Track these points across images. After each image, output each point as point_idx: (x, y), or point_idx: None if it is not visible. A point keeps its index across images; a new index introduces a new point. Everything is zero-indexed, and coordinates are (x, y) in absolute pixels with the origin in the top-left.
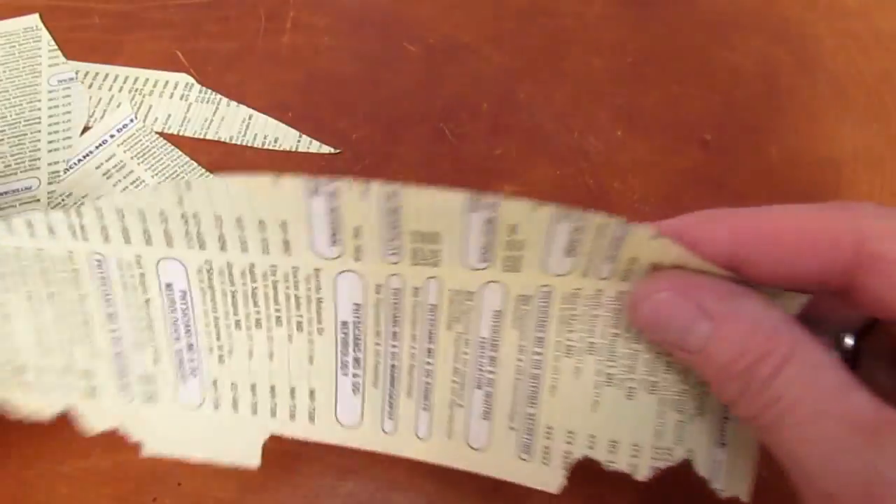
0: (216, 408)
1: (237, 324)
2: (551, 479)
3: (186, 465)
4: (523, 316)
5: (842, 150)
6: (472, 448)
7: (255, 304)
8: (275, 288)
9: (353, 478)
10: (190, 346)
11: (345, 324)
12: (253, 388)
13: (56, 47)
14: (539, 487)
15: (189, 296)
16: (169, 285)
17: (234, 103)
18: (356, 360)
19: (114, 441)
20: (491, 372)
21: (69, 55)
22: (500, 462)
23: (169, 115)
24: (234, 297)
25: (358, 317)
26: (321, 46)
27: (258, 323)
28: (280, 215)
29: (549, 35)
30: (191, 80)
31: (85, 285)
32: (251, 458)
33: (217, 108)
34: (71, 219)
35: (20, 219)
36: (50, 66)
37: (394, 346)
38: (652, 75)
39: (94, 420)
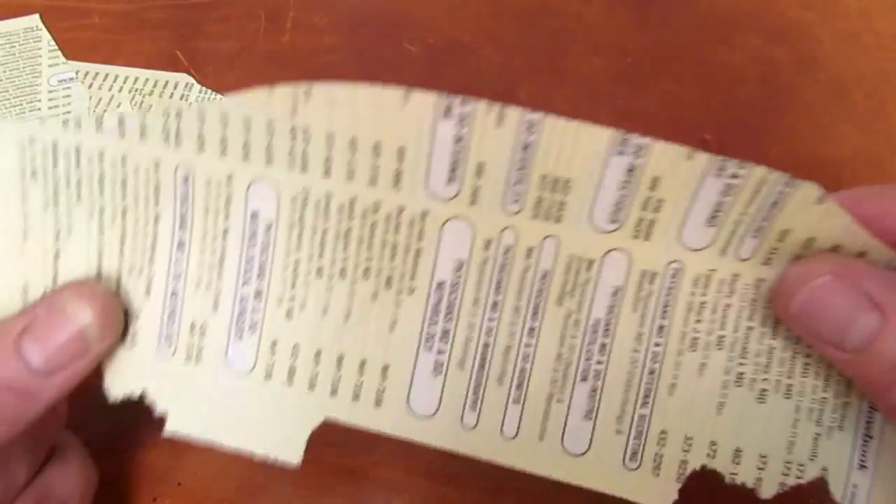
0: (267, 377)
1: (319, 271)
2: (661, 493)
3: (186, 464)
4: (646, 297)
5: (842, 150)
6: (567, 453)
7: (346, 248)
8: (372, 231)
9: (353, 478)
10: (258, 294)
11: (441, 285)
12: (317, 355)
13: (56, 47)
14: (645, 502)
15: (274, 229)
16: (255, 214)
17: None
18: (445, 332)
19: (114, 441)
20: (600, 362)
21: (69, 55)
22: (600, 471)
23: None
24: (324, 236)
25: (458, 277)
26: (321, 46)
27: (343, 273)
28: (400, 139)
29: (549, 35)
30: (191, 80)
31: (164, 203)
32: (293, 452)
33: None
34: (168, 121)
35: (112, 115)
36: (50, 66)
37: (491, 320)
38: (652, 75)
39: (123, 379)
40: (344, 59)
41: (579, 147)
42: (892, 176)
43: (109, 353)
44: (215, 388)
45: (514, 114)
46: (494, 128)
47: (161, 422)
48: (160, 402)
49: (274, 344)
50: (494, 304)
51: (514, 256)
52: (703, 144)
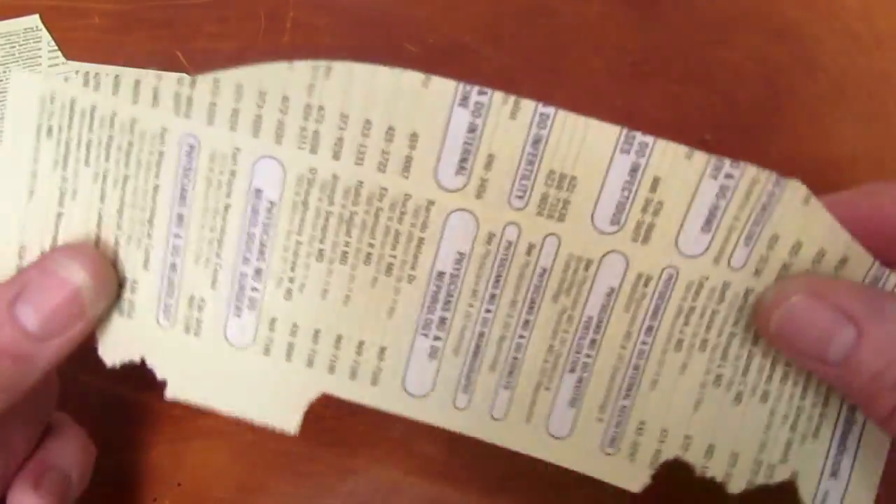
0: (266, 353)
1: (320, 254)
2: (635, 477)
3: (186, 464)
4: (639, 299)
5: (842, 150)
6: (550, 435)
7: (349, 233)
8: (376, 217)
9: (353, 478)
10: (257, 273)
11: (441, 275)
12: (316, 334)
13: (56, 47)
14: (619, 484)
15: (277, 209)
16: (258, 192)
17: None
18: (442, 320)
19: (114, 441)
20: (588, 356)
21: (69, 55)
22: (580, 453)
23: None
24: (327, 219)
25: (458, 269)
26: (321, 46)
27: (344, 257)
28: (414, 124)
29: (549, 35)
30: None
31: (165, 174)
32: (289, 421)
33: None
34: (181, 87)
35: (130, 76)
36: (50, 66)
37: (487, 312)
38: (652, 75)
39: (120, 345)
40: (344, 60)
41: (587, 144)
42: (892, 176)
43: (105, 315)
44: (214, 359)
45: (529, 106)
46: (508, 120)
47: (164, 384)
48: (160, 369)
49: (273, 322)
50: (492, 297)
51: (514, 252)
52: (703, 144)
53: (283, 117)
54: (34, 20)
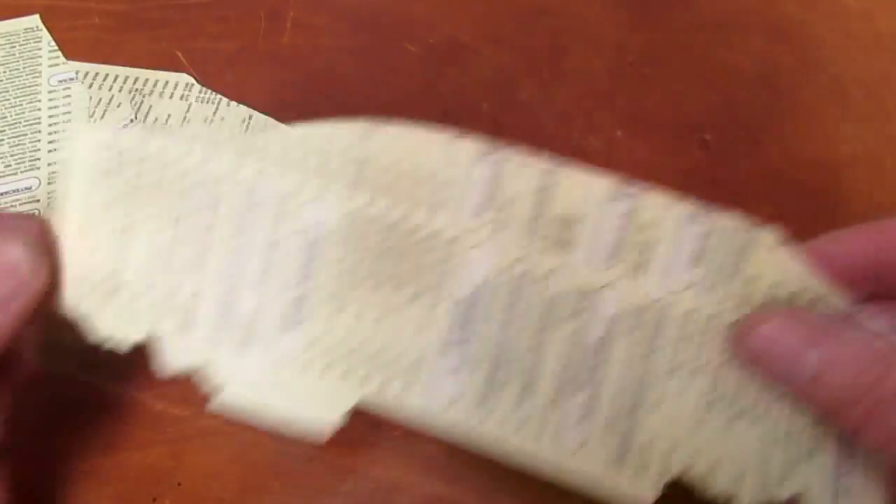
0: (304, 370)
1: (358, 282)
2: (643, 493)
3: (186, 464)
4: (636, 327)
5: (842, 150)
6: (560, 453)
7: (384, 262)
8: (409, 250)
9: (353, 478)
10: (304, 296)
11: (459, 302)
12: (350, 352)
13: (56, 47)
14: (628, 501)
15: (325, 241)
16: (308, 227)
17: (234, 103)
18: (462, 340)
19: (114, 441)
20: (596, 379)
21: (69, 55)
22: (588, 469)
23: (169, 115)
24: (366, 251)
25: (476, 297)
26: (321, 46)
27: (379, 284)
28: (443, 175)
29: (549, 35)
30: (191, 80)
31: (223, 209)
32: (323, 430)
33: (217, 108)
34: (256, 142)
35: (231, 145)
36: (50, 66)
37: (501, 334)
38: (652, 75)
39: (177, 356)
40: (344, 59)
41: (585, 192)
42: (892, 176)
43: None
44: (260, 372)
45: (539, 161)
46: (522, 171)
47: (211, 393)
48: (212, 379)
49: (314, 340)
50: (505, 322)
51: (523, 284)
52: (703, 144)
53: (335, 167)
54: (34, 20)
